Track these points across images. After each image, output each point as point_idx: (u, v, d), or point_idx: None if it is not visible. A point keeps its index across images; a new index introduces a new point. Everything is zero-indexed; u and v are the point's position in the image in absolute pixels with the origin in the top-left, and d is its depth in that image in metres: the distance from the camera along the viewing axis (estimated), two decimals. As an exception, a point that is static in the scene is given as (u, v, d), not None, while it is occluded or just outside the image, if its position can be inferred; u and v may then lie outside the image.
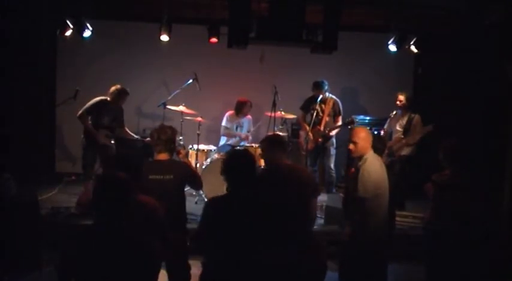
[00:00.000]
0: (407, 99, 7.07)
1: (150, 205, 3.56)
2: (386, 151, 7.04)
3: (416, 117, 7.02)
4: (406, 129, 7.01)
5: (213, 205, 3.55)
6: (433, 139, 6.50)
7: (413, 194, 7.14)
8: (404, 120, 7.06)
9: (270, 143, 4.35)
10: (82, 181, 7.13)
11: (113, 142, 6.70)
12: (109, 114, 6.64)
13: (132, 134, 6.93)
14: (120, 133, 6.78)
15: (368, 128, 7.93)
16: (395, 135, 7.16)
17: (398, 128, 7.10)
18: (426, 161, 6.48)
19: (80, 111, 6.55)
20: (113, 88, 6.60)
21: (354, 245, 4.27)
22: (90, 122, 6.52)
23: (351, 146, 4.36)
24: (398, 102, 7.10)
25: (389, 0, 7.02)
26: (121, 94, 6.61)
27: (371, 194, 4.19)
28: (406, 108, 7.08)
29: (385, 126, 7.35)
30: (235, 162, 3.56)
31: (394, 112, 7.25)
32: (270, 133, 7.46)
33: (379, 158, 4.42)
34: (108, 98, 6.60)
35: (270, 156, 4.31)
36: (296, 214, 3.90)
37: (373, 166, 4.27)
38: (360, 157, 4.33)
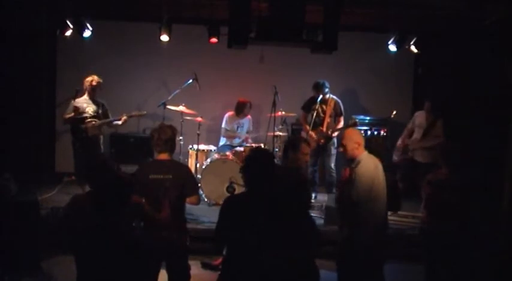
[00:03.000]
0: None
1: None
2: (401, 148, 7.06)
3: (439, 122, 6.96)
4: (426, 132, 6.97)
5: (229, 203, 3.57)
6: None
7: (413, 194, 7.17)
8: (426, 122, 7.01)
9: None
10: (77, 183, 7.14)
11: (103, 130, 6.90)
12: (91, 106, 6.82)
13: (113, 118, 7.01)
14: (109, 121, 6.93)
15: (368, 128, 8.02)
16: (414, 135, 7.13)
17: (419, 128, 7.07)
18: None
19: (64, 117, 6.82)
20: (86, 82, 6.79)
21: (351, 247, 4.24)
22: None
23: (340, 149, 4.38)
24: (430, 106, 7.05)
25: (389, 0, 7.01)
26: (93, 86, 6.78)
27: (364, 198, 4.14)
28: (429, 111, 7.04)
29: (409, 126, 7.27)
30: (256, 160, 3.57)
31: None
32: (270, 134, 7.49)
33: (375, 160, 4.32)
34: (86, 92, 6.79)
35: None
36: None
37: (366, 169, 4.19)
38: (353, 159, 4.27)
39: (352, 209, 4.18)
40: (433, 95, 8.08)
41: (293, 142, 4.61)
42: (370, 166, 4.23)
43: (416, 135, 7.08)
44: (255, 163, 3.55)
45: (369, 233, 4.17)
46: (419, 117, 7.15)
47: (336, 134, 7.28)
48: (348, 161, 4.39)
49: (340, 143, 4.40)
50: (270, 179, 3.51)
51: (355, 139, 4.28)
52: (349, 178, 4.24)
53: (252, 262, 3.36)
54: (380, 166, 4.30)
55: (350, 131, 4.49)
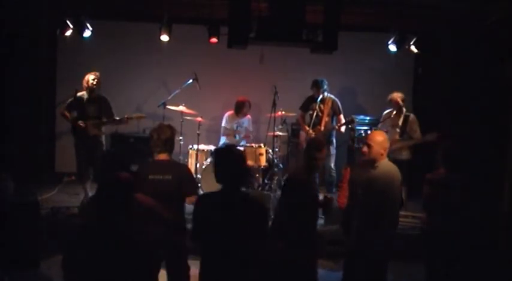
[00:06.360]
0: (403, 100, 7.01)
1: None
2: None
3: (412, 116, 6.94)
4: (403, 131, 6.95)
5: (202, 202, 3.51)
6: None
7: (413, 194, 7.16)
8: (399, 121, 6.97)
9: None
10: (78, 181, 7.13)
11: (103, 129, 6.76)
12: (92, 105, 6.66)
13: (118, 118, 6.81)
14: (109, 121, 6.75)
15: (367, 128, 7.99)
16: (391, 136, 7.09)
17: (394, 128, 7.01)
18: (427, 161, 6.49)
19: (61, 109, 6.67)
20: (84, 82, 6.62)
21: (363, 248, 4.23)
22: (75, 116, 6.63)
23: (365, 149, 4.24)
24: (401, 102, 6.99)
25: (390, 0, 7.01)
26: (92, 84, 6.59)
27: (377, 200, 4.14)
28: (401, 108, 7.02)
29: (379, 126, 7.20)
30: (224, 158, 3.47)
31: (395, 112, 7.22)
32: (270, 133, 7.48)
33: (393, 167, 4.29)
34: (85, 90, 6.65)
35: None
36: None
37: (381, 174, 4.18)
38: (373, 162, 4.22)
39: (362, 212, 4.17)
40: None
41: (318, 142, 4.52)
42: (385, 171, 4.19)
43: (394, 135, 6.97)
44: (226, 161, 3.42)
45: (381, 236, 4.18)
46: (389, 119, 7.06)
47: (343, 129, 7.29)
48: (351, 159, 4.38)
49: (366, 142, 4.26)
50: (241, 178, 3.43)
51: (384, 145, 4.19)
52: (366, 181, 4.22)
53: (226, 264, 3.27)
54: (395, 175, 4.21)
55: (379, 134, 4.31)
